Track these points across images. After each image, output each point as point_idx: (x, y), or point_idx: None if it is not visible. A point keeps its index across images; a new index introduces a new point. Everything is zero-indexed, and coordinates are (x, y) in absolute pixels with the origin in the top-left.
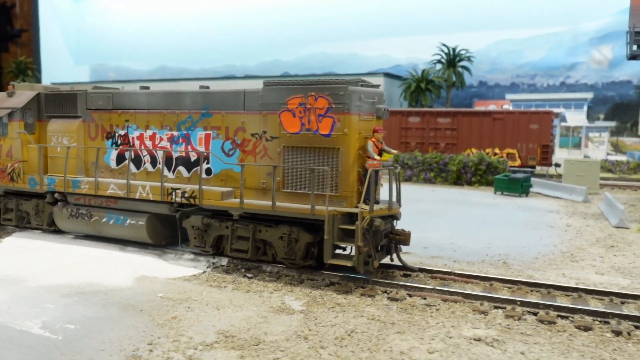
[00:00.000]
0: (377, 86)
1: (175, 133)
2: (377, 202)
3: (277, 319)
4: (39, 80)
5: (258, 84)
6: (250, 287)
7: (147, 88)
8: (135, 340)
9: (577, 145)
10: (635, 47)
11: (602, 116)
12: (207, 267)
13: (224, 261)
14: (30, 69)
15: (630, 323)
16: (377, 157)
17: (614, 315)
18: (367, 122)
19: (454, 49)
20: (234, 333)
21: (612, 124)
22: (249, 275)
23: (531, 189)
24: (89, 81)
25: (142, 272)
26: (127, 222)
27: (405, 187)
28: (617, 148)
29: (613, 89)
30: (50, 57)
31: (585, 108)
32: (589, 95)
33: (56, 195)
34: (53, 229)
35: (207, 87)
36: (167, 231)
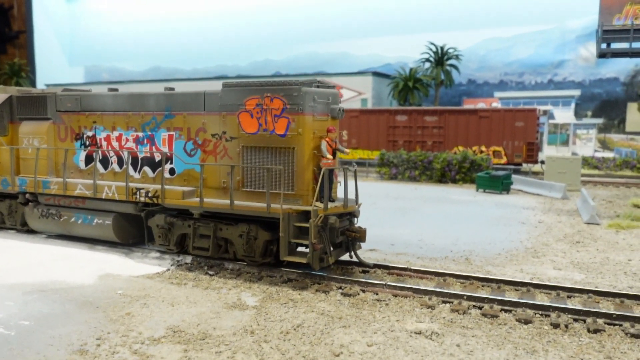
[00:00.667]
0: (333, 87)
1: (140, 134)
2: (333, 201)
3: (229, 314)
4: (33, 82)
5: None
6: (210, 284)
7: (116, 90)
8: (84, 335)
9: (565, 143)
10: (604, 46)
11: (589, 113)
12: (172, 265)
13: (188, 259)
14: (24, 71)
15: (569, 316)
16: (330, 157)
17: (555, 309)
18: (322, 122)
19: (442, 48)
20: (184, 328)
21: (600, 121)
22: (211, 272)
23: (512, 186)
24: (83, 82)
25: (107, 270)
26: (95, 221)
27: (389, 185)
28: (604, 145)
29: (600, 86)
30: (45, 58)
31: (572, 105)
32: (577, 93)
33: (27, 195)
34: (26, 229)
35: (172, 89)
36: (134, 230)
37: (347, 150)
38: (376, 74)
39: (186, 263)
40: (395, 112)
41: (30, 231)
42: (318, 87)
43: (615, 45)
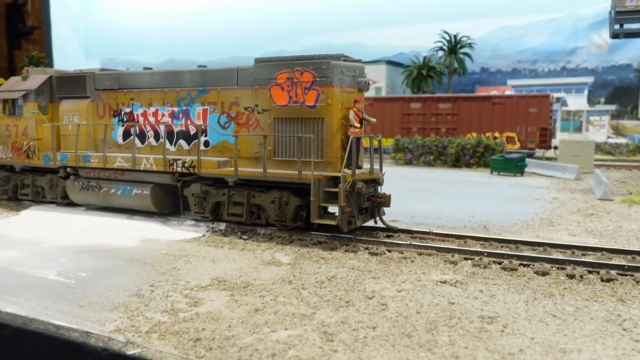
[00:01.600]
0: (359, 61)
1: (176, 109)
2: (360, 168)
3: (266, 269)
4: None
5: None
6: (245, 246)
7: (150, 69)
8: (138, 284)
9: (578, 129)
10: (617, 27)
11: (602, 100)
12: (207, 231)
13: (222, 226)
14: (43, 64)
15: (584, 268)
16: (358, 125)
17: (571, 262)
18: (349, 93)
19: (455, 36)
20: (227, 279)
21: (613, 107)
22: (244, 237)
23: (526, 169)
24: None
25: (147, 236)
26: (134, 192)
27: (405, 170)
28: (617, 131)
29: (613, 73)
30: (62, 52)
31: (585, 92)
32: (590, 80)
33: (68, 169)
34: (66, 202)
35: (205, 66)
36: (169, 200)
37: (374, 120)
38: (390, 62)
39: (220, 229)
40: (410, 99)
41: (70, 204)
42: (345, 60)
43: (628, 27)
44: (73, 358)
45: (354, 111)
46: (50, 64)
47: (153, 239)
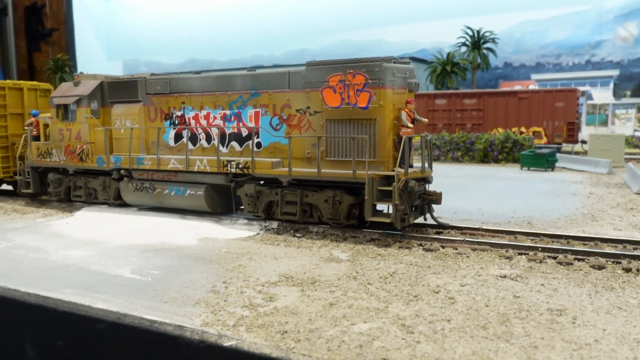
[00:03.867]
0: (408, 62)
1: (228, 112)
2: (411, 166)
3: (327, 265)
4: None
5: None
6: (300, 244)
7: (199, 73)
8: (212, 280)
9: (604, 123)
10: None
11: (628, 93)
12: (260, 230)
13: (275, 224)
14: (67, 66)
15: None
16: (411, 125)
17: (625, 256)
18: (400, 94)
19: (478, 31)
20: (293, 275)
21: (639, 100)
22: (298, 235)
23: (557, 164)
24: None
25: (204, 235)
26: (187, 192)
27: (434, 166)
28: None
29: (639, 65)
30: (84, 54)
31: (611, 85)
32: (615, 73)
33: (122, 171)
34: (119, 203)
35: (254, 70)
36: (221, 200)
37: (425, 120)
38: (413, 59)
39: (273, 228)
40: (435, 95)
41: (122, 205)
42: (395, 63)
43: None
44: (170, 350)
45: (406, 112)
46: (74, 65)
47: (210, 238)
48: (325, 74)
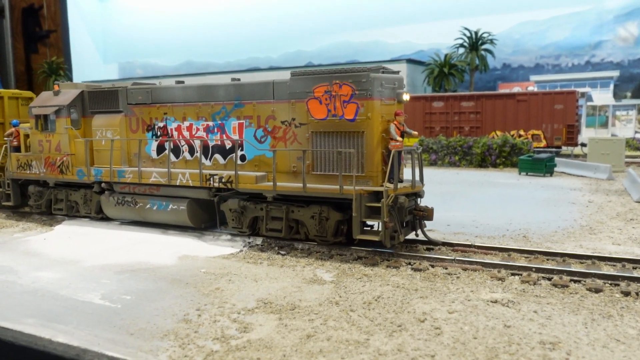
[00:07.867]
0: (397, 72)
1: (211, 123)
2: (401, 181)
3: (310, 288)
4: (70, 80)
5: (281, 75)
6: (284, 262)
7: (182, 83)
8: (184, 307)
9: (604, 124)
10: None
11: (629, 94)
12: (244, 247)
13: (259, 240)
14: (62, 69)
15: (639, 284)
16: (399, 139)
17: (624, 278)
18: (389, 106)
19: (476, 33)
20: (272, 300)
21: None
22: (282, 252)
23: (556, 169)
24: (118, 79)
25: (184, 252)
26: (169, 207)
27: (430, 171)
28: None
29: None
30: (79, 56)
31: (611, 86)
32: (615, 74)
33: (103, 184)
34: (100, 217)
35: (239, 80)
36: (204, 215)
37: (415, 133)
38: (410, 61)
39: (257, 244)
40: (432, 98)
41: (104, 218)
42: (383, 72)
43: None
44: None
45: (395, 124)
46: (69, 68)
47: (190, 256)
48: (310, 84)
